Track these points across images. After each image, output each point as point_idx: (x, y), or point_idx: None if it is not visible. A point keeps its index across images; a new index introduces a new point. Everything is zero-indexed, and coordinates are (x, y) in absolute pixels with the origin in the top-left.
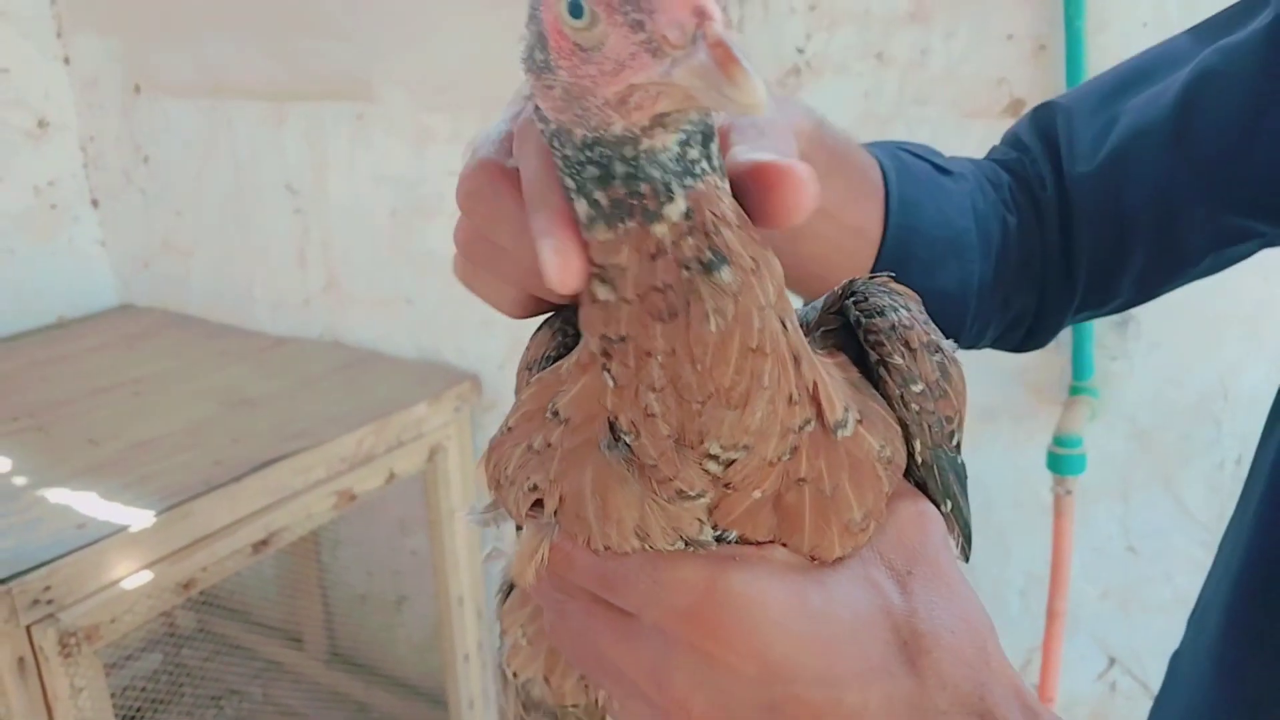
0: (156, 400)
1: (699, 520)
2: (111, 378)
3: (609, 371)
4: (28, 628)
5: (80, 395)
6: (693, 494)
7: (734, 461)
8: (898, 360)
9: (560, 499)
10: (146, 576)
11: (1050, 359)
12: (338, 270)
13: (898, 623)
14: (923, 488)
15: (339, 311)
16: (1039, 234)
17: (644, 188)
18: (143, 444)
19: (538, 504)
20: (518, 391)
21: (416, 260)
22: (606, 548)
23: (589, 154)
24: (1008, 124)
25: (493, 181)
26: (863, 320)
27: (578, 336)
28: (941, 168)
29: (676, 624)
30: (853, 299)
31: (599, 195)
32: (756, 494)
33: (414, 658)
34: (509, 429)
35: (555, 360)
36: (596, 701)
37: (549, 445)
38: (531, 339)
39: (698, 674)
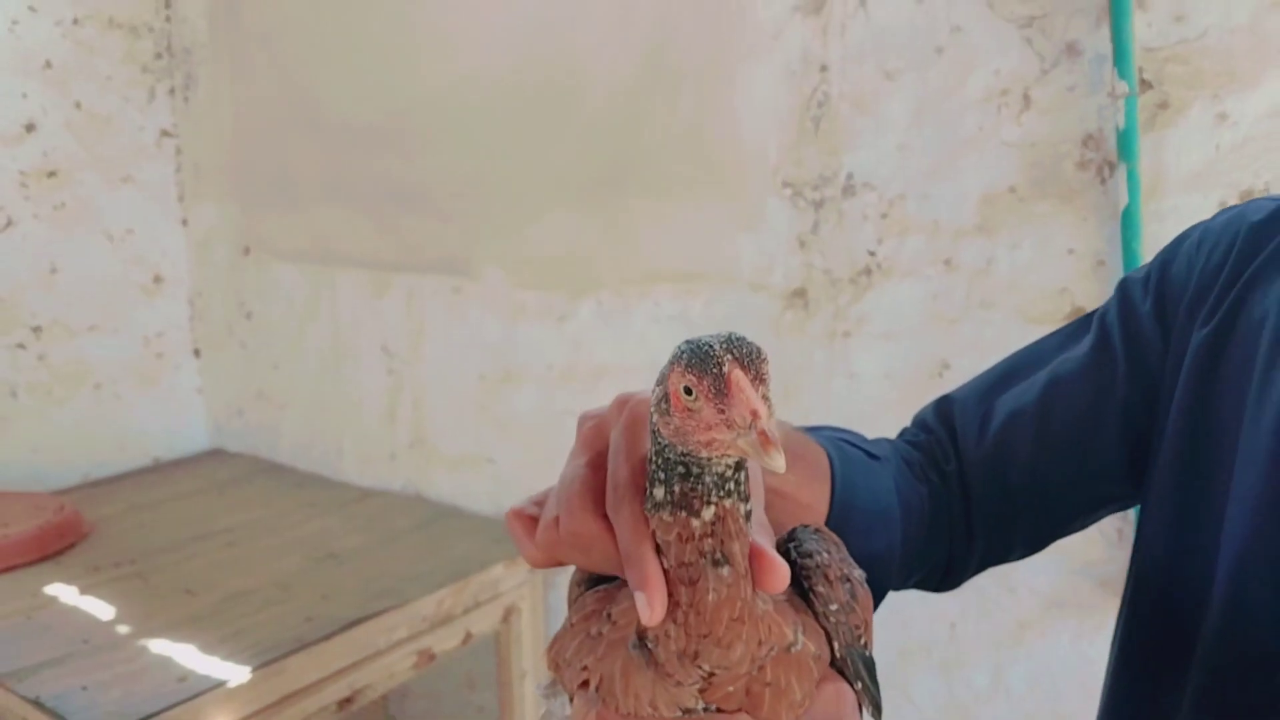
0: (248, 550)
1: (693, 697)
2: (205, 525)
3: None
4: None
5: (177, 543)
6: (689, 684)
7: (717, 673)
8: (820, 589)
9: (600, 678)
10: None
11: (1115, 554)
12: (425, 427)
13: None
14: (841, 673)
15: (423, 467)
16: (945, 501)
17: (699, 489)
18: (236, 595)
19: (585, 683)
20: (570, 601)
21: (500, 421)
22: (630, 714)
23: (681, 461)
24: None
25: (581, 542)
26: (798, 560)
27: None
28: (870, 454)
29: None
30: (792, 543)
31: (676, 486)
32: (731, 688)
33: None
34: (571, 624)
35: (595, 582)
36: None
37: (600, 635)
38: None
39: None
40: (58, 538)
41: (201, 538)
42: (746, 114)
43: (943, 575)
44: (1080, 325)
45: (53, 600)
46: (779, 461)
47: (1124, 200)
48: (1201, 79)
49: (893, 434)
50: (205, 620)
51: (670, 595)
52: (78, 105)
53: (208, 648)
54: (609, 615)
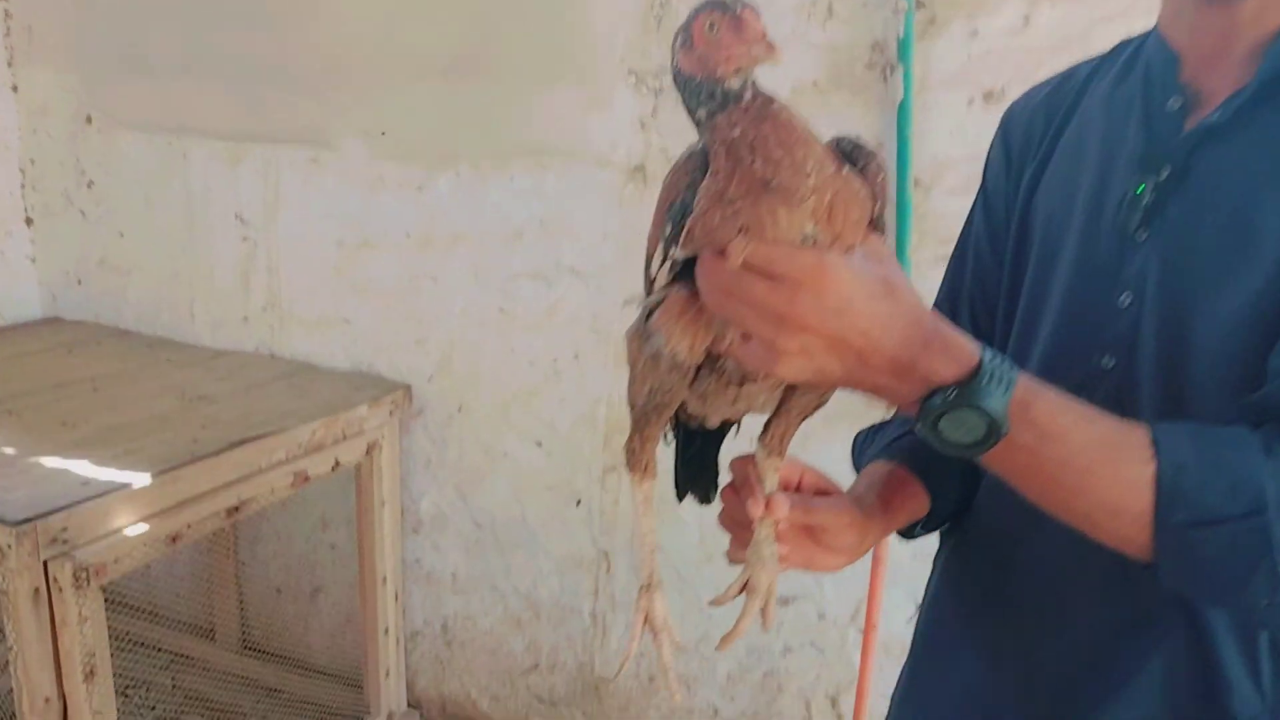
0: (115, 394)
1: (810, 223)
2: (63, 375)
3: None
4: (45, 562)
5: (38, 389)
6: (801, 198)
7: (810, 178)
8: (872, 167)
9: (749, 223)
10: (143, 528)
11: None
12: (280, 292)
13: (883, 277)
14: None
15: (277, 329)
16: None
17: (718, 96)
18: (115, 427)
19: (740, 229)
20: (656, 225)
21: (357, 285)
22: (777, 239)
23: (702, 88)
24: None
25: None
26: (850, 147)
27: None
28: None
29: (805, 274)
30: (841, 141)
31: (702, 111)
32: (822, 201)
33: (327, 643)
34: (703, 211)
35: (691, 196)
36: (719, 356)
37: (733, 203)
38: (666, 188)
39: (812, 300)
40: None
41: (63, 385)
42: (599, 8)
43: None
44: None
45: None
46: (774, 53)
47: (900, 95)
48: (960, 2)
49: None
50: (91, 444)
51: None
52: None
53: (102, 463)
54: (731, 200)
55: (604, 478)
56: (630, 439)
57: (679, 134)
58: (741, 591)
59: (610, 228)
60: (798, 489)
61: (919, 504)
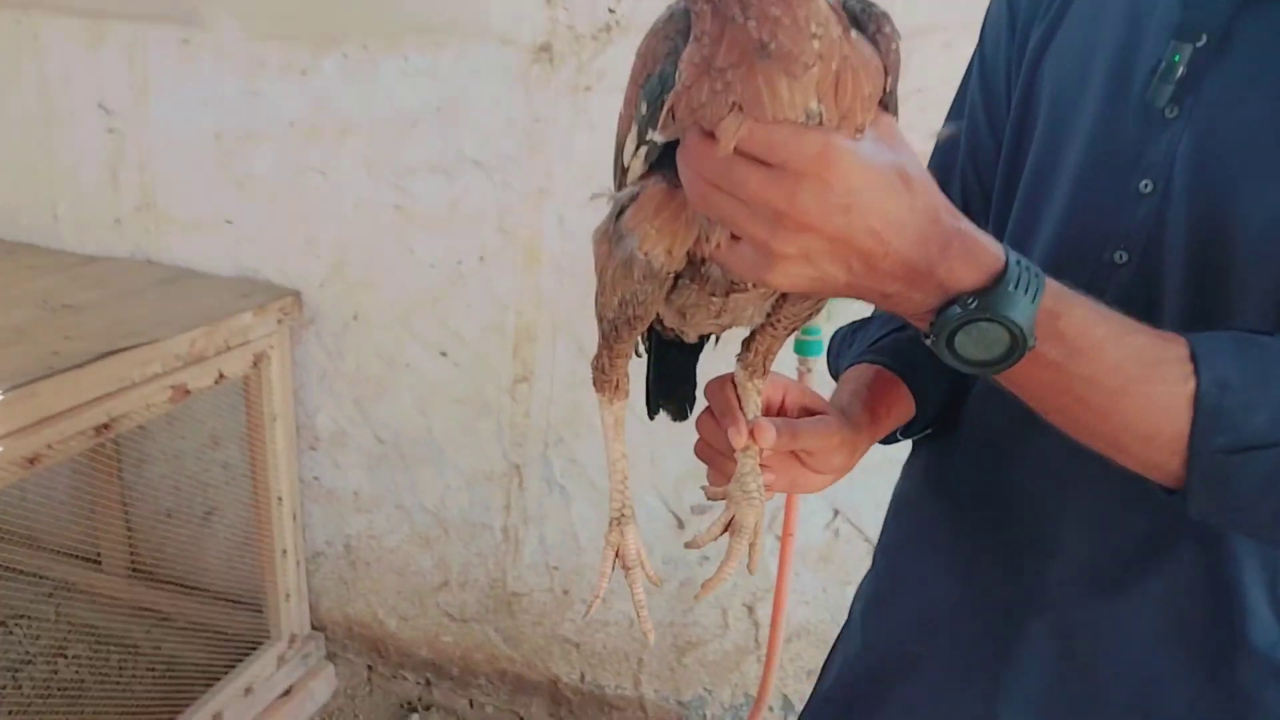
0: None
1: (810, 95)
2: None
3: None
4: None
5: None
6: (804, 66)
7: (816, 39)
8: (886, 31)
9: (744, 99)
10: None
11: None
12: (154, 190)
13: (896, 165)
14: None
15: (153, 231)
16: None
17: None
18: None
19: (733, 106)
20: (628, 104)
21: (239, 182)
22: (777, 118)
23: None
24: None
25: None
26: (863, 7)
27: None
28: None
29: (808, 163)
30: (846, 3)
31: None
32: (828, 68)
33: (222, 566)
34: (687, 85)
35: (671, 67)
36: (702, 261)
37: (724, 73)
38: (641, 58)
39: (815, 193)
40: None
41: None
42: None
43: None
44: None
45: None
46: None
47: None
48: None
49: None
50: None
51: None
52: None
53: None
54: (720, 69)
55: (514, 388)
56: (598, 356)
57: (586, 11)
58: (725, 531)
59: (515, 114)
60: (780, 410)
61: (905, 409)
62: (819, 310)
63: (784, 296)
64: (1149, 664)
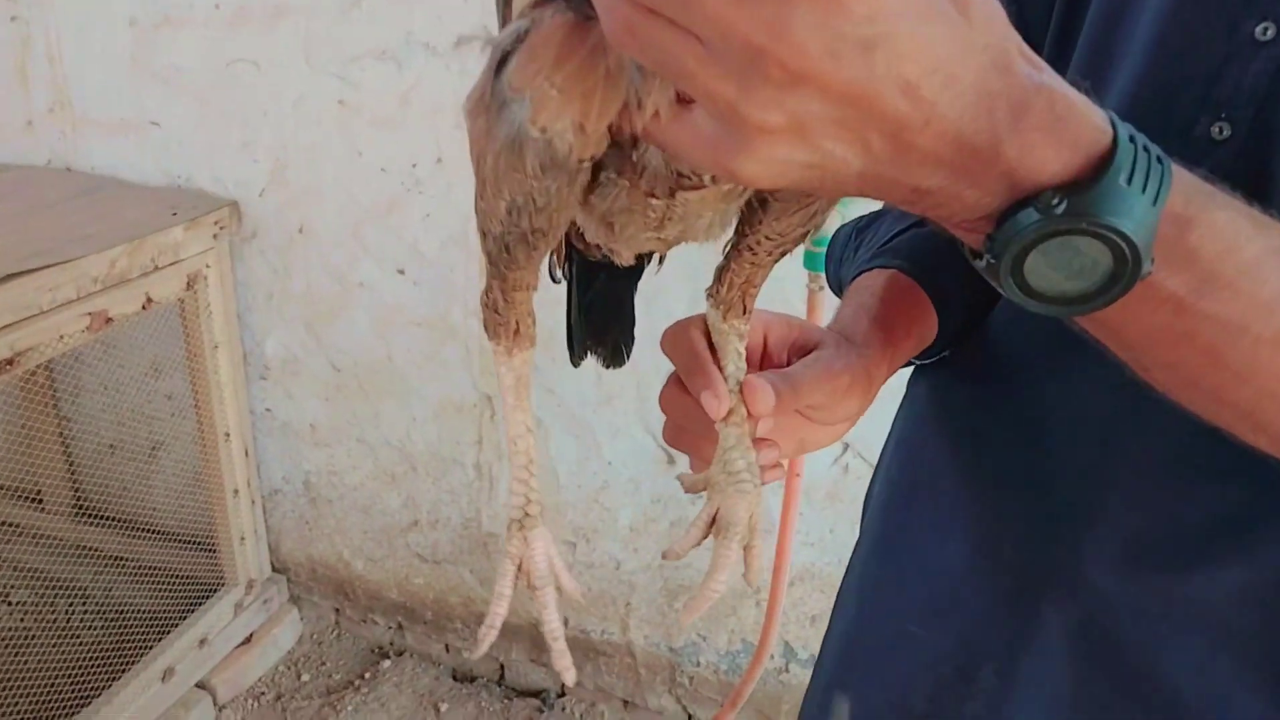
0: None
1: None
2: None
3: None
4: None
5: None
6: None
7: None
8: None
9: None
10: None
11: None
12: (68, 88)
13: None
14: None
15: (70, 136)
16: None
17: None
18: None
19: None
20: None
21: (162, 76)
22: None
23: None
24: None
25: (677, 395)
26: None
27: None
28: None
29: None
30: None
31: None
32: None
33: (172, 506)
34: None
35: None
36: (634, 141)
37: None
38: None
39: (817, 18)
40: None
41: None
42: None
43: None
44: None
45: None
46: None
47: None
48: None
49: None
50: None
51: None
52: None
53: None
54: None
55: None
56: (487, 290)
57: None
58: (709, 532)
59: None
60: (764, 358)
61: (928, 326)
62: (818, 225)
63: (762, 197)
64: (1210, 675)
